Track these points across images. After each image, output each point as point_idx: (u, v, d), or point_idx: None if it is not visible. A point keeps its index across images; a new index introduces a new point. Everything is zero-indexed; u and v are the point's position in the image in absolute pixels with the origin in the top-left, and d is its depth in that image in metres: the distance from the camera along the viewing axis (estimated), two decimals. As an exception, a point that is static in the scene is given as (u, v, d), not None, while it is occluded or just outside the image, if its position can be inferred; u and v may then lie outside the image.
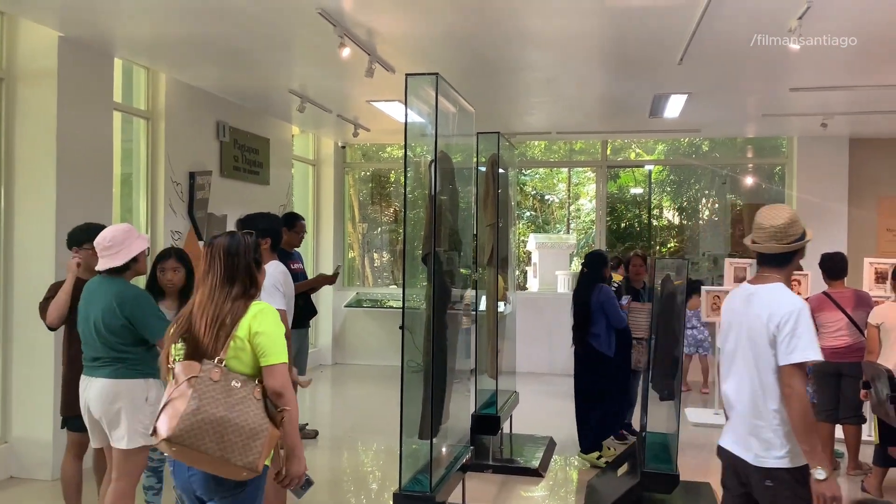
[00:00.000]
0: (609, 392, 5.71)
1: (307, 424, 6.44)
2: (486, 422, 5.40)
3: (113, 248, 3.45)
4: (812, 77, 6.24)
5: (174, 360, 2.48)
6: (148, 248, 3.66)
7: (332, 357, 10.19)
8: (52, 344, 4.96)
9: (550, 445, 6.00)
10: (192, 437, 2.30)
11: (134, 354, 3.47)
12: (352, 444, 6.41)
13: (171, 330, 2.54)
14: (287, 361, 2.50)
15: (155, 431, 2.37)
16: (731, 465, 2.75)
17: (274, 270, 3.96)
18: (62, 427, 4.06)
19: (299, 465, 2.51)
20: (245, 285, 2.53)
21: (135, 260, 3.52)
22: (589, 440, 5.72)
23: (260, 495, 2.55)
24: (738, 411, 2.72)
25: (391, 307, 10.00)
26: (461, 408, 4.74)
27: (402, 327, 4.00)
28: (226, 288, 2.50)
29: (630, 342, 5.80)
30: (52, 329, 3.95)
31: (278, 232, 4.11)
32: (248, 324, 2.47)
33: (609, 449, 5.71)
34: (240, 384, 2.40)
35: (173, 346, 2.50)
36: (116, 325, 3.41)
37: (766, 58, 5.60)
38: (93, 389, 3.44)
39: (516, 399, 6.25)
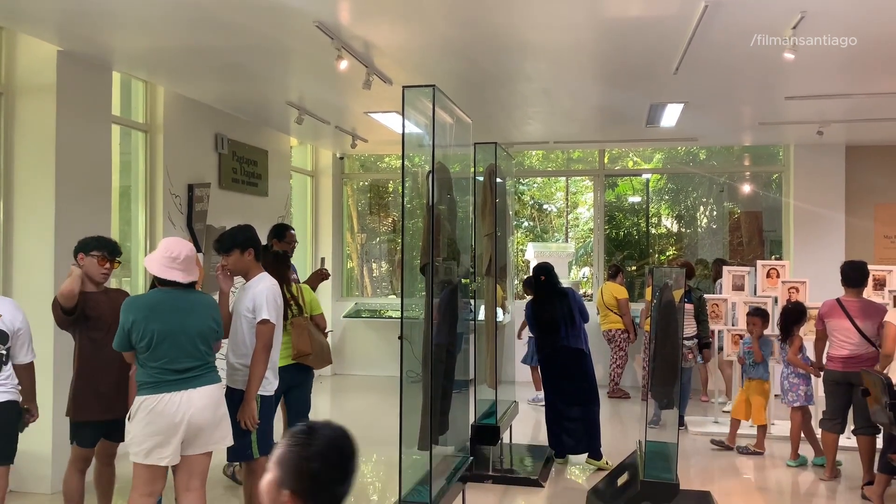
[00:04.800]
0: (594, 390, 5.88)
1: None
2: (486, 432, 5.40)
3: (187, 262, 3.49)
4: (807, 85, 6.27)
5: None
6: None
7: (331, 367, 10.18)
8: (51, 357, 4.96)
9: (550, 455, 5.99)
10: (316, 349, 4.78)
11: (214, 358, 3.60)
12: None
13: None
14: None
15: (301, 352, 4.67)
16: None
17: (272, 285, 4.01)
18: (71, 441, 4.02)
19: None
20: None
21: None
22: (598, 443, 5.82)
23: None
24: None
25: (390, 317, 9.99)
26: (461, 418, 4.74)
27: (401, 337, 4.00)
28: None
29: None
30: (68, 309, 3.79)
31: (257, 240, 4.16)
32: (309, 296, 4.99)
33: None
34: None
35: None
36: (213, 334, 3.57)
37: (762, 67, 5.64)
38: (197, 399, 3.39)
39: (516, 409, 6.25)
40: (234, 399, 3.91)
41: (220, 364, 3.75)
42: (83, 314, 3.88)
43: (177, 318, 3.43)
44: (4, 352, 3.67)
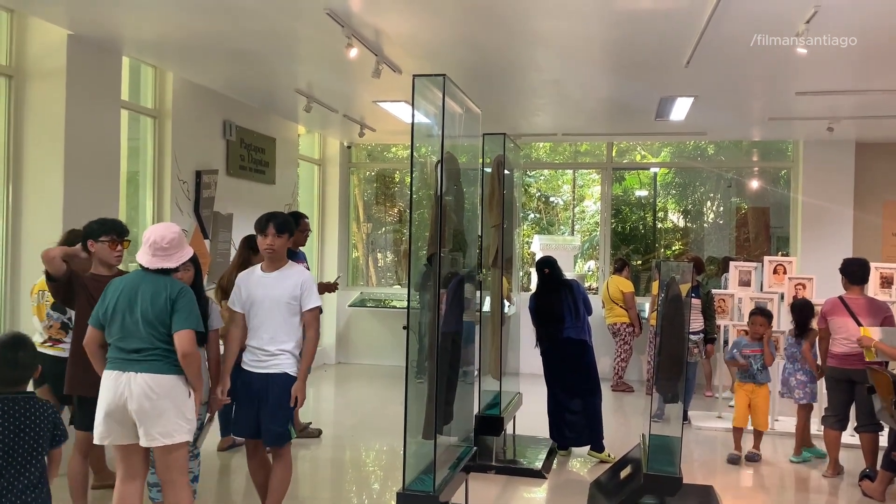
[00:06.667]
0: (596, 382, 5.88)
1: (311, 423, 6.46)
2: (490, 422, 5.41)
3: (170, 249, 3.45)
4: (818, 81, 6.23)
5: None
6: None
7: (336, 356, 10.21)
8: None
9: (553, 447, 6.01)
10: None
11: (171, 346, 3.44)
12: (354, 444, 6.43)
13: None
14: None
15: None
16: None
17: (309, 273, 4.18)
18: (70, 423, 4.05)
19: None
20: None
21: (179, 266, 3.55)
22: (600, 435, 5.83)
23: None
24: None
25: (394, 307, 10.01)
26: (465, 408, 4.75)
27: (405, 327, 4.01)
28: None
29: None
30: (53, 276, 3.82)
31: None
32: None
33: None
34: None
35: None
36: (165, 317, 3.38)
37: (773, 61, 5.60)
38: (135, 384, 3.33)
39: (520, 400, 6.26)
40: (275, 383, 3.92)
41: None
42: (91, 297, 3.89)
43: (129, 298, 3.41)
44: (67, 320, 4.30)
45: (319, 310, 4.02)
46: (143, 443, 3.39)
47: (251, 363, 3.98)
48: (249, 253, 5.56)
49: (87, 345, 3.50)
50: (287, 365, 3.92)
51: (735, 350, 6.02)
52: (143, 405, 3.32)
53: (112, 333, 3.43)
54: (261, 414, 3.95)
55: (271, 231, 3.96)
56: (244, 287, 4.04)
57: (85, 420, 3.96)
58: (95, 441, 3.48)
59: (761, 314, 6.05)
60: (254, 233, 5.72)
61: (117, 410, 3.36)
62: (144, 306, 3.38)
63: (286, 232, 4.01)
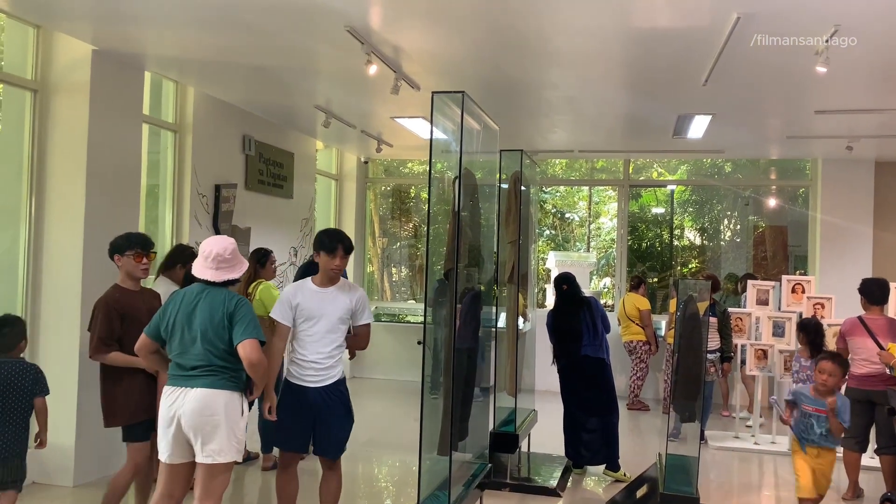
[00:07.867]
0: (614, 400, 5.84)
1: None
2: (505, 440, 5.37)
3: (233, 260, 3.45)
4: (837, 100, 6.20)
5: None
6: None
7: (350, 371, 10.21)
8: (76, 350, 5.04)
9: (568, 465, 5.96)
10: None
11: (232, 364, 3.39)
12: (368, 459, 6.41)
13: None
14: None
15: None
16: None
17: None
18: (125, 440, 4.03)
19: None
20: None
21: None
22: (616, 454, 5.77)
23: None
24: None
25: (409, 322, 10.01)
26: (480, 425, 4.73)
27: (420, 342, 4.02)
28: None
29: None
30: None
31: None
32: (260, 296, 5.08)
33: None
34: None
35: None
36: (223, 332, 3.34)
37: (792, 80, 5.59)
38: (189, 400, 3.30)
39: (535, 417, 6.22)
40: (336, 392, 4.16)
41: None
42: (111, 315, 3.95)
43: (188, 313, 3.38)
44: None
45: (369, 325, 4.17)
46: (198, 458, 3.34)
47: (305, 378, 3.97)
48: (257, 267, 5.61)
49: (139, 350, 3.52)
50: (340, 371, 4.11)
51: (781, 397, 4.91)
52: (195, 421, 3.29)
53: (172, 349, 3.41)
54: (322, 425, 4.03)
55: (340, 253, 3.96)
56: (294, 300, 3.97)
57: (141, 432, 4.00)
58: (162, 459, 3.41)
59: (833, 360, 4.47)
60: (263, 247, 5.81)
61: (172, 427, 3.34)
62: (203, 322, 3.35)
63: (350, 253, 4.06)
